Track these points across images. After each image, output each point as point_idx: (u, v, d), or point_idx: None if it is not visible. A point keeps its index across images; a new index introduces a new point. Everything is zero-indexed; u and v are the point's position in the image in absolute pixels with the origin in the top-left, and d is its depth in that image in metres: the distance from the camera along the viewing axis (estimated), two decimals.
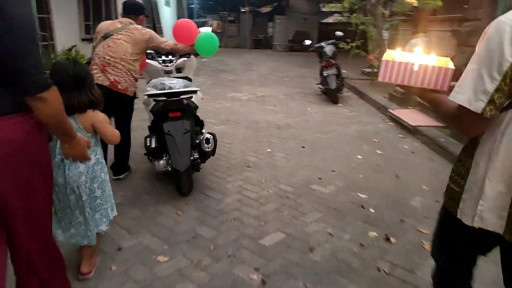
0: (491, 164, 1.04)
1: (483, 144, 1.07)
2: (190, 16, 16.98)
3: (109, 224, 1.99)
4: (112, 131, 1.86)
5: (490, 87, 0.96)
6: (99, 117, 1.80)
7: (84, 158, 1.61)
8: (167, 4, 12.63)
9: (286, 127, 5.08)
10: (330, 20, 16.69)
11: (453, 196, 1.17)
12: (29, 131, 1.23)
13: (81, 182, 1.77)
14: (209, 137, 2.91)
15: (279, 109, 6.14)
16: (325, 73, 6.55)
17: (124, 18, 3.10)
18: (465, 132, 1.10)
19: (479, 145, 1.08)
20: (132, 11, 3.14)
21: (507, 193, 1.02)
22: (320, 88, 7.01)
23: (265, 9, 20.34)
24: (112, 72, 2.89)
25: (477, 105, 0.97)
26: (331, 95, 6.65)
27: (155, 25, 10.17)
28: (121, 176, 3.25)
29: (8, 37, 1.06)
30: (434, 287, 1.45)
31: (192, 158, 2.82)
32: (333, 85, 6.43)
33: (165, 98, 2.80)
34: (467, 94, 0.99)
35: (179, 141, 2.74)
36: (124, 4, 3.16)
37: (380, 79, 1.23)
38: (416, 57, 1.24)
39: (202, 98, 3.24)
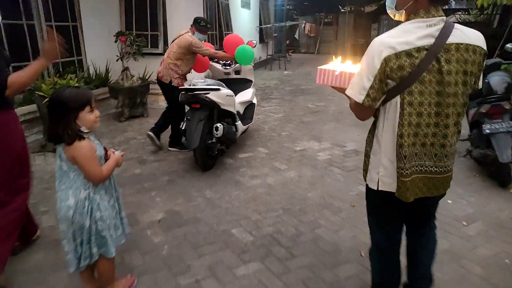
0: (382, 142, 1.52)
1: (378, 128, 1.54)
2: (280, 19, 14.93)
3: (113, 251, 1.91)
4: (90, 169, 1.73)
5: (367, 85, 1.42)
6: (80, 151, 1.71)
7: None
8: (245, 6, 10.59)
9: None
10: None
11: (365, 168, 1.66)
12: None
13: (68, 216, 1.75)
14: (218, 125, 3.75)
15: None
16: (486, 128, 3.46)
17: (187, 29, 4.39)
18: (357, 116, 1.57)
19: (376, 128, 1.56)
20: (192, 25, 4.42)
21: (393, 162, 1.48)
22: (469, 151, 3.89)
23: (370, 8, 17.61)
24: (161, 65, 4.36)
25: (359, 98, 1.44)
26: (499, 173, 3.50)
27: (222, 32, 8.15)
28: (172, 149, 4.50)
29: None
30: (371, 264, 1.85)
31: (209, 141, 3.83)
32: (507, 155, 3.32)
33: (186, 93, 3.73)
34: (354, 90, 1.47)
35: (193, 126, 3.61)
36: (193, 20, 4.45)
37: (316, 82, 1.69)
38: (341, 65, 1.70)
39: (228, 95, 3.95)
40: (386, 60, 1.35)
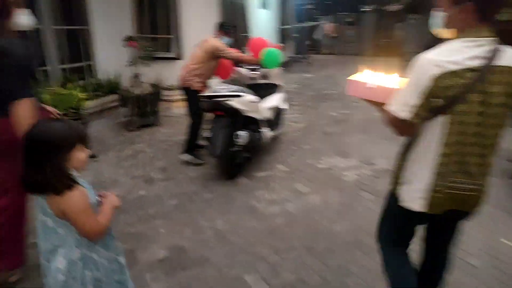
0: (418, 159, 1.52)
1: (415, 144, 1.53)
2: (300, 19, 14.44)
3: None
4: (85, 224, 1.36)
5: (412, 102, 1.40)
6: (72, 204, 1.33)
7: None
8: (263, 6, 10.16)
9: None
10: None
11: (395, 182, 1.65)
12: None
13: (58, 281, 1.39)
14: (240, 133, 3.68)
15: None
16: None
17: (213, 33, 4.29)
18: (396, 132, 1.54)
19: (413, 144, 1.54)
20: (216, 29, 4.32)
21: (427, 179, 1.48)
22: None
23: (394, 7, 16.85)
24: (184, 70, 4.19)
25: (403, 114, 1.42)
26: None
27: (238, 35, 7.75)
28: (183, 157, 4.22)
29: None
30: (389, 280, 1.79)
31: (234, 149, 3.68)
32: None
33: (207, 100, 3.66)
34: (397, 106, 1.45)
35: (216, 134, 3.59)
36: (214, 24, 4.41)
37: (346, 92, 1.68)
38: (375, 77, 1.66)
39: (251, 102, 3.83)
40: (434, 79, 1.35)
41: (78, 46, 6.09)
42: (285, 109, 4.98)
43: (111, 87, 6.08)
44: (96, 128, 5.25)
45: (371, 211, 3.08)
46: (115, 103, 5.77)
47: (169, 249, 2.60)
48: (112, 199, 1.54)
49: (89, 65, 6.27)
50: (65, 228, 1.38)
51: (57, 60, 5.59)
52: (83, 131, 1.44)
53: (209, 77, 4.25)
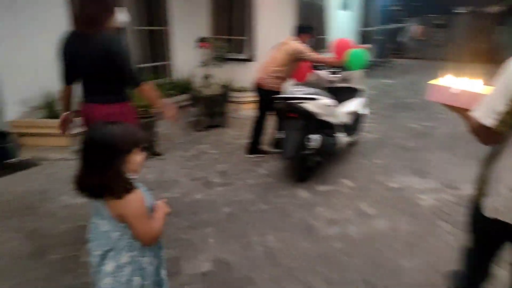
0: (505, 169, 1.41)
1: (503, 153, 1.41)
2: (384, 21, 13.59)
3: None
4: (142, 228, 1.36)
5: (500, 109, 1.29)
6: (132, 208, 1.33)
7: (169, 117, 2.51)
8: (345, 7, 9.72)
9: None
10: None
11: (479, 193, 1.54)
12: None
13: (105, 285, 1.39)
14: (313, 137, 3.60)
15: None
16: None
17: (293, 36, 4.29)
18: (480, 140, 1.42)
19: (500, 154, 1.43)
20: (295, 31, 4.34)
21: None
22: None
23: (494, 9, 15.16)
24: (263, 71, 4.26)
25: (489, 121, 1.31)
26: None
27: (316, 38, 7.56)
28: (250, 156, 4.40)
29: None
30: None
31: (306, 152, 3.60)
32: None
33: (282, 101, 3.67)
34: (483, 112, 1.34)
35: (289, 136, 3.56)
36: (294, 26, 4.48)
37: (427, 98, 1.62)
38: (458, 82, 1.55)
39: (327, 105, 3.71)
40: None
41: (158, 47, 6.33)
42: (365, 115, 4.73)
43: (184, 87, 6.21)
44: (166, 127, 5.38)
45: (449, 247, 2.60)
46: (187, 103, 5.87)
47: (214, 263, 2.46)
48: (164, 207, 1.53)
49: (166, 65, 6.49)
50: (120, 231, 1.38)
51: (138, 60, 5.86)
52: (140, 134, 1.45)
53: (287, 80, 4.27)
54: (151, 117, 4.33)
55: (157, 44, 6.29)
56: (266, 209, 3.19)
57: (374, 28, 13.10)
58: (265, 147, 4.48)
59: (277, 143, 3.84)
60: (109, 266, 1.39)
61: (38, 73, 4.29)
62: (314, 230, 2.87)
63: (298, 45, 4.11)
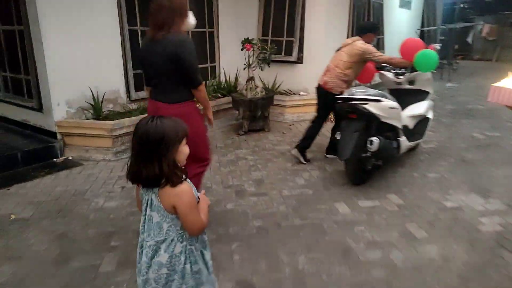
0: None
1: None
2: (449, 19, 12.62)
3: None
4: (193, 219, 1.42)
5: None
6: (184, 198, 1.40)
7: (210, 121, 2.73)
8: (405, 5, 9.15)
9: None
10: None
11: None
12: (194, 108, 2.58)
13: (161, 275, 1.44)
14: (373, 139, 3.41)
15: None
16: None
17: (356, 36, 4.14)
18: None
19: None
20: (359, 31, 4.25)
21: None
22: None
23: None
24: (327, 74, 4.13)
25: None
26: None
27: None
28: (293, 152, 4.32)
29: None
30: None
31: (363, 155, 3.51)
32: None
33: (343, 102, 3.57)
34: None
35: (347, 137, 3.47)
36: (357, 26, 4.91)
37: (488, 99, 1.68)
38: None
39: (391, 107, 3.62)
40: None
41: (205, 48, 6.29)
42: (430, 119, 4.42)
43: (229, 89, 6.12)
44: (208, 129, 5.30)
45: None
46: (229, 105, 5.76)
47: (237, 284, 2.26)
48: (206, 198, 1.58)
49: (213, 67, 6.44)
50: (171, 223, 1.43)
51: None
52: (186, 125, 1.49)
53: (352, 82, 4.18)
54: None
55: (205, 46, 6.26)
56: (300, 225, 2.93)
57: (436, 28, 12.16)
58: (309, 156, 4.29)
59: (334, 145, 3.88)
60: (163, 257, 1.44)
61: (85, 74, 4.41)
62: (352, 253, 2.56)
63: (366, 45, 3.99)
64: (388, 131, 3.73)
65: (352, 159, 3.47)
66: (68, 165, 4.15)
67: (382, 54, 4.07)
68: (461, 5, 15.54)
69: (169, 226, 1.43)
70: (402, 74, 4.24)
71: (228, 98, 5.80)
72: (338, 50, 4.21)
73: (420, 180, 3.76)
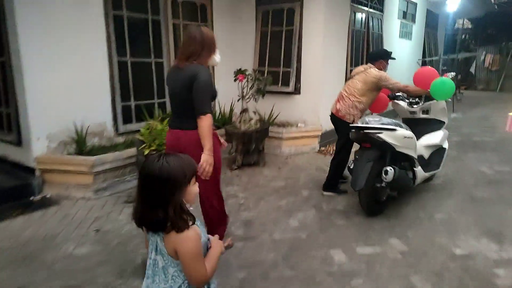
0: None
1: None
2: (450, 50, 12.61)
3: None
4: (194, 270, 1.32)
5: None
6: (187, 245, 1.29)
7: (207, 173, 2.38)
8: (405, 36, 9.11)
9: None
10: None
11: None
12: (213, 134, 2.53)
13: None
14: (388, 169, 3.32)
15: None
16: None
17: (369, 64, 4.11)
18: None
19: None
20: (371, 58, 4.23)
21: None
22: None
23: None
24: (340, 102, 4.06)
25: None
26: None
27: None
28: (326, 193, 4.12)
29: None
30: None
31: (378, 185, 3.44)
32: None
33: (357, 131, 3.54)
34: None
35: (361, 166, 3.40)
36: (368, 53, 5.03)
37: (507, 129, 1.74)
38: None
39: (406, 137, 3.55)
40: None
41: None
42: (446, 149, 4.32)
43: (224, 121, 5.90)
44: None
45: None
46: (225, 138, 5.53)
47: None
48: (220, 243, 1.47)
49: None
50: (177, 268, 1.35)
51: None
52: (195, 163, 1.42)
53: (365, 110, 4.12)
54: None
55: None
56: (290, 276, 2.59)
57: (437, 58, 12.09)
58: (343, 187, 4.20)
59: (332, 181, 4.00)
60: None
61: (68, 106, 4.20)
62: None
63: (380, 72, 3.96)
64: (403, 161, 3.67)
65: (366, 190, 3.38)
66: (45, 204, 3.86)
67: (398, 81, 3.96)
68: (463, 36, 15.63)
69: (174, 271, 1.35)
70: (416, 103, 4.18)
71: (222, 131, 5.57)
72: (349, 78, 4.18)
73: (426, 221, 3.42)
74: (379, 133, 3.37)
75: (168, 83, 2.64)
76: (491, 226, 3.29)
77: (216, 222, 2.79)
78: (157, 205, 1.27)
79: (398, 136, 3.47)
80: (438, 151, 4.19)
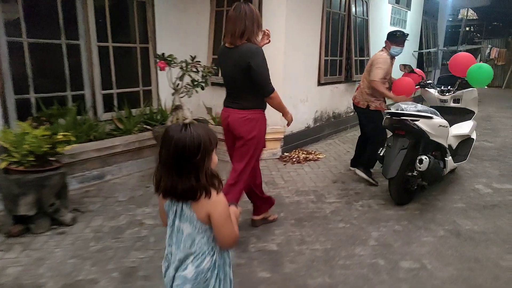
0: None
1: None
2: (451, 42, 11.57)
3: None
4: (228, 230, 1.35)
5: None
6: (220, 207, 1.33)
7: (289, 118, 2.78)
8: (398, 24, 8.24)
9: None
10: None
11: None
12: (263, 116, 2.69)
13: None
14: (423, 158, 3.24)
15: None
16: None
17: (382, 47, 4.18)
18: None
19: None
20: (387, 38, 4.10)
21: None
22: None
23: None
24: (357, 90, 4.23)
25: None
26: None
27: (351, 59, 6.13)
28: (358, 172, 4.03)
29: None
30: None
31: (410, 174, 3.41)
32: None
33: (391, 117, 3.45)
34: None
35: (393, 154, 3.34)
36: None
37: None
38: None
39: (441, 125, 3.48)
40: None
41: (134, 67, 5.10)
42: (474, 139, 4.30)
43: (164, 119, 4.89)
44: (117, 176, 4.05)
45: None
46: (153, 142, 4.51)
47: None
48: (236, 210, 1.50)
49: (147, 91, 5.22)
50: (203, 234, 1.36)
51: (99, 84, 4.61)
52: (215, 132, 1.40)
53: (378, 96, 4.05)
54: (54, 169, 2.95)
55: (135, 65, 5.05)
56: None
57: (436, 50, 11.02)
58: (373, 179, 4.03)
59: (380, 161, 3.72)
60: (188, 272, 1.35)
61: None
62: None
63: (379, 56, 3.94)
64: (433, 150, 3.60)
65: (397, 178, 3.31)
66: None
67: (378, 72, 3.85)
68: (467, 28, 14.52)
69: (201, 238, 1.35)
70: (448, 91, 4.17)
71: (150, 133, 4.53)
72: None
73: (387, 274, 2.41)
74: (416, 120, 3.29)
75: (221, 63, 2.73)
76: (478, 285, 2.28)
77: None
78: (189, 174, 1.26)
79: (434, 124, 3.41)
80: (466, 142, 4.14)
